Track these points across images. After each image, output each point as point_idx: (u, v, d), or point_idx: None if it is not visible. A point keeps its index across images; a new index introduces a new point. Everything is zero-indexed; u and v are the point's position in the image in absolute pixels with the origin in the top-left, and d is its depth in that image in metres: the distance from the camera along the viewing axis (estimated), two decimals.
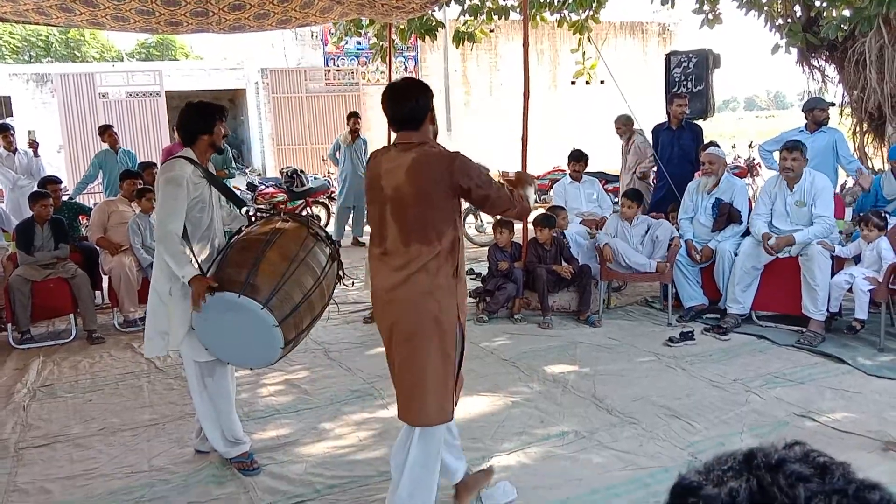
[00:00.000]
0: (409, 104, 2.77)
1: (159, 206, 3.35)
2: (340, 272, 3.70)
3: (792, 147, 5.45)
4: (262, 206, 9.69)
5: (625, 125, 8.26)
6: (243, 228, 3.66)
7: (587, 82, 10.23)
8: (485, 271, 6.67)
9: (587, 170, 7.48)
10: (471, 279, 7.70)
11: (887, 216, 5.58)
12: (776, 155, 6.07)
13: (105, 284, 6.74)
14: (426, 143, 2.78)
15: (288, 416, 4.30)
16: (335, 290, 3.72)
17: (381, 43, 10.39)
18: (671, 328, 5.68)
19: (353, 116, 9.60)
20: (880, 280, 5.08)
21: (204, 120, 3.45)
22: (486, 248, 7.08)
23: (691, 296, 5.98)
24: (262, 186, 10.21)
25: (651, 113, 11.19)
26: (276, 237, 3.41)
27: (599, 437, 3.85)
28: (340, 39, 12.71)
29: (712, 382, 4.57)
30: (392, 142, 2.89)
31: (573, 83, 10.53)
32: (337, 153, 9.81)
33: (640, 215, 6.16)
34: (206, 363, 3.51)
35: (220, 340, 3.36)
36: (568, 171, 7.40)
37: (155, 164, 8.08)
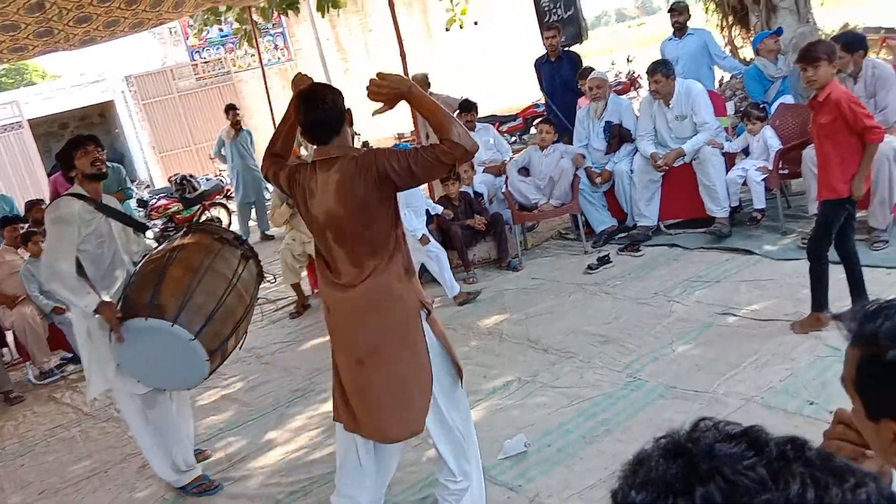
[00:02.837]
0: (323, 117, 2.52)
1: (46, 247, 3.39)
2: (259, 270, 3.68)
3: (652, 70, 5.65)
4: (165, 224, 9.31)
5: (422, 82, 8.04)
6: (146, 253, 3.59)
7: (461, 27, 10.14)
8: None
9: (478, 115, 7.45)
10: None
11: (766, 106, 5.82)
12: None
13: (10, 339, 6.37)
14: (345, 153, 2.53)
15: (232, 432, 4.21)
16: (258, 290, 3.68)
17: (244, 27, 10.01)
18: (588, 255, 5.81)
19: (231, 109, 9.26)
20: (770, 168, 5.32)
21: (64, 159, 3.44)
22: None
23: (601, 220, 6.13)
24: (154, 200, 9.79)
25: (531, 47, 11.26)
26: (178, 252, 3.39)
27: (542, 379, 3.94)
28: (201, 31, 12.18)
29: (636, 300, 4.72)
30: (312, 161, 2.63)
31: (447, 30, 10.39)
32: (222, 149, 9.47)
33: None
34: (144, 395, 3.44)
35: (146, 369, 3.30)
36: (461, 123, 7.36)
37: (42, 201, 7.63)
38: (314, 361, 4.95)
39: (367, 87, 2.47)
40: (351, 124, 2.68)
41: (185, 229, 3.68)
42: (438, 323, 2.70)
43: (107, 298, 3.27)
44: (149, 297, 3.16)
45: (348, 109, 2.61)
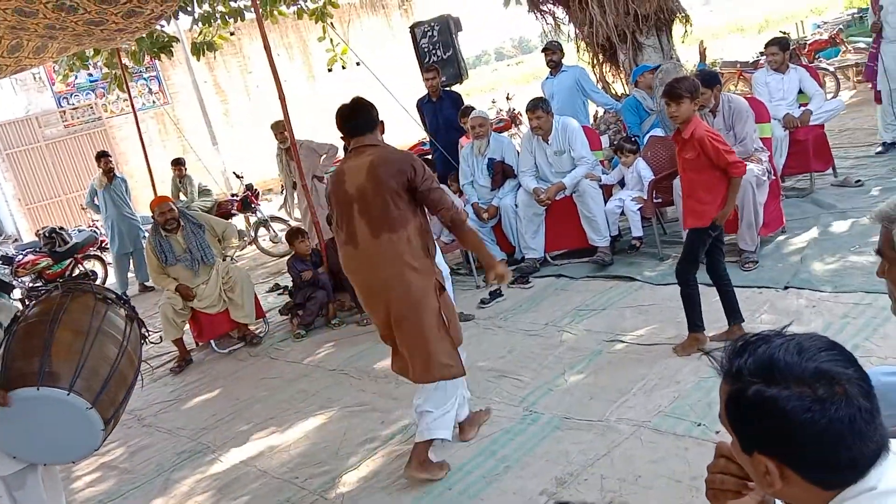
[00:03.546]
0: (360, 116, 3.30)
1: None
2: (144, 331, 3.49)
3: (532, 107, 5.81)
4: (32, 282, 8.64)
5: (284, 133, 7.02)
6: (19, 314, 3.24)
7: (343, 67, 10.15)
8: (291, 285, 6.44)
9: None
10: (277, 294, 7.45)
11: (637, 139, 6.11)
12: None
13: None
14: (379, 144, 3.30)
15: (113, 503, 3.90)
16: (142, 352, 3.46)
17: (113, 71, 9.59)
18: (480, 290, 5.85)
19: (103, 156, 8.83)
20: (645, 197, 5.56)
21: None
22: (286, 260, 6.84)
23: None
24: (20, 256, 9.10)
25: (412, 86, 11.39)
26: (62, 314, 3.09)
27: None
28: (67, 76, 11.56)
29: (528, 332, 4.77)
30: (348, 150, 3.36)
31: (330, 70, 10.38)
32: (95, 199, 8.97)
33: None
34: (12, 475, 3.07)
35: (28, 443, 2.98)
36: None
37: None
38: (199, 420, 4.69)
39: None
40: (383, 132, 3.40)
41: (61, 288, 3.37)
42: (447, 298, 3.35)
43: None
44: (38, 365, 2.88)
45: (381, 121, 3.38)
